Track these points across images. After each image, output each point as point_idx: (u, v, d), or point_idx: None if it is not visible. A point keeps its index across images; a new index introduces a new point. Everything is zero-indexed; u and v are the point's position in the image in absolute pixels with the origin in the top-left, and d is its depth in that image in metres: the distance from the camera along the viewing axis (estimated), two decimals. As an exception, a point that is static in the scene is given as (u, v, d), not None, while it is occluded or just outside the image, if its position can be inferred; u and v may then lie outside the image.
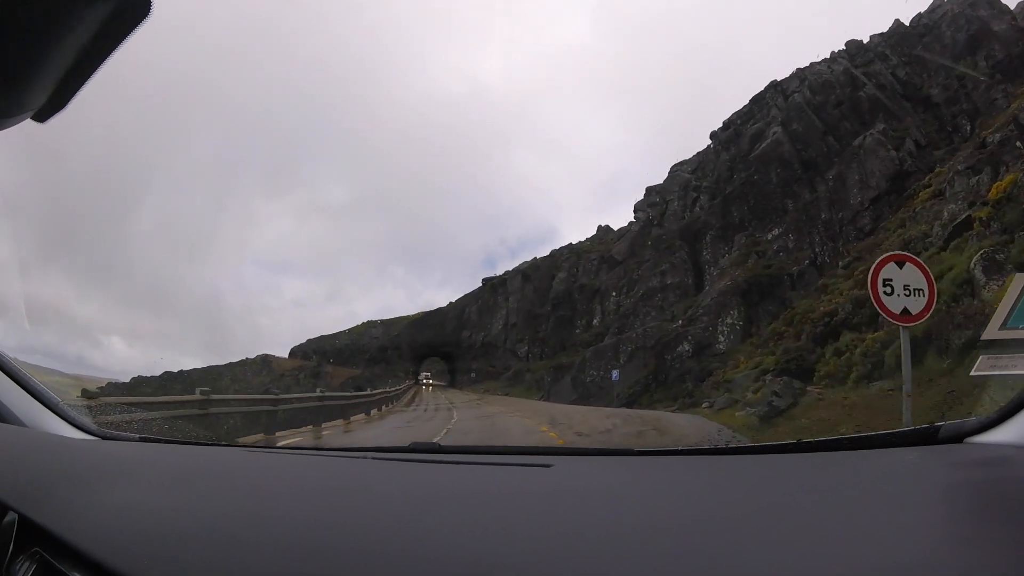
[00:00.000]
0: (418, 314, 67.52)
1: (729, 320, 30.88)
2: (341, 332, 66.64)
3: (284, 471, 1.77)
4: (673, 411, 21.80)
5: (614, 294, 49.03)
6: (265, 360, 55.35)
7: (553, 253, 62.83)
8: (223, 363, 54.33)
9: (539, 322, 56.02)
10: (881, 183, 31.87)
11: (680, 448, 1.72)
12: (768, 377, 17.15)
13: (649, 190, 58.70)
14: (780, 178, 36.60)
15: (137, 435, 2.33)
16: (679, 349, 30.37)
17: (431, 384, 52.29)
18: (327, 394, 17.66)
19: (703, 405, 19.93)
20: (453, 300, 68.00)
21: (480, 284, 67.37)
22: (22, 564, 1.02)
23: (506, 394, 44.47)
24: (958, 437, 1.11)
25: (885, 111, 35.54)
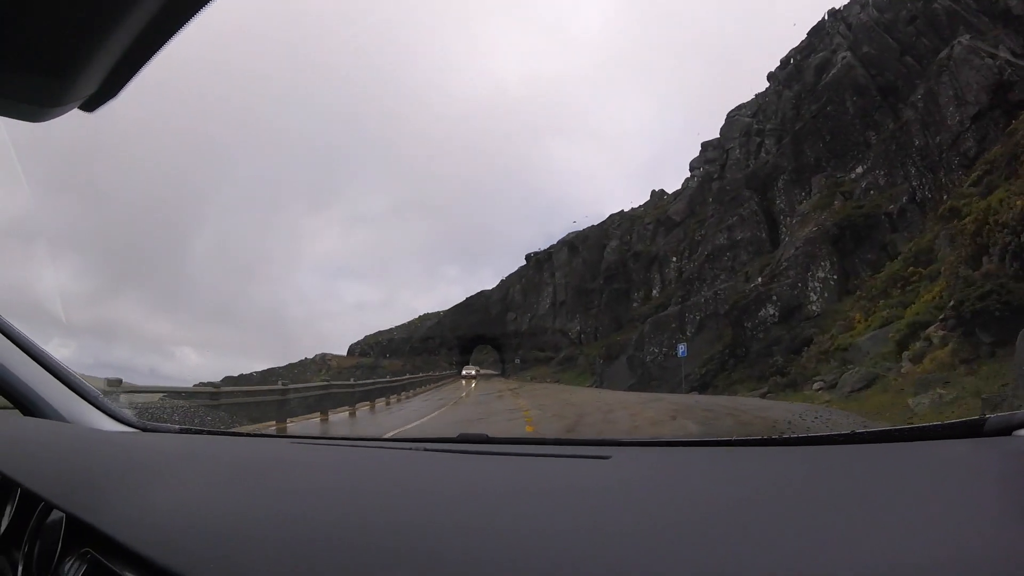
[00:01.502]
0: (462, 301, 62.58)
1: (820, 274, 24.96)
2: (397, 327, 65.99)
3: (328, 462, 1.74)
4: (764, 396, 16.20)
5: (674, 259, 43.71)
6: (323, 359, 55.21)
7: (602, 223, 56.47)
8: (283, 365, 54.84)
9: (590, 298, 50.47)
10: (981, 97, 24.53)
11: (735, 439, 1.47)
12: (935, 331, 10.53)
13: (705, 145, 53.48)
14: (857, 108, 31.14)
15: (177, 427, 2.33)
16: (761, 314, 24.28)
17: (474, 375, 45.80)
18: (332, 383, 19.14)
19: (814, 386, 13.79)
20: (496, 282, 64.31)
21: (524, 262, 61.65)
22: (72, 564, 1.06)
23: (557, 381, 39.18)
24: (1007, 430, 1.05)
25: (965, 24, 28.82)
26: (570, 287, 52.96)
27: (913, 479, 0.99)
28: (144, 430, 2.16)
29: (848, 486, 1.01)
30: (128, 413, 2.19)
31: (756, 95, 50.03)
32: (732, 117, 50.17)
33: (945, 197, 22.25)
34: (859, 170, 29.12)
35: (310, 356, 55.93)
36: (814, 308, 23.82)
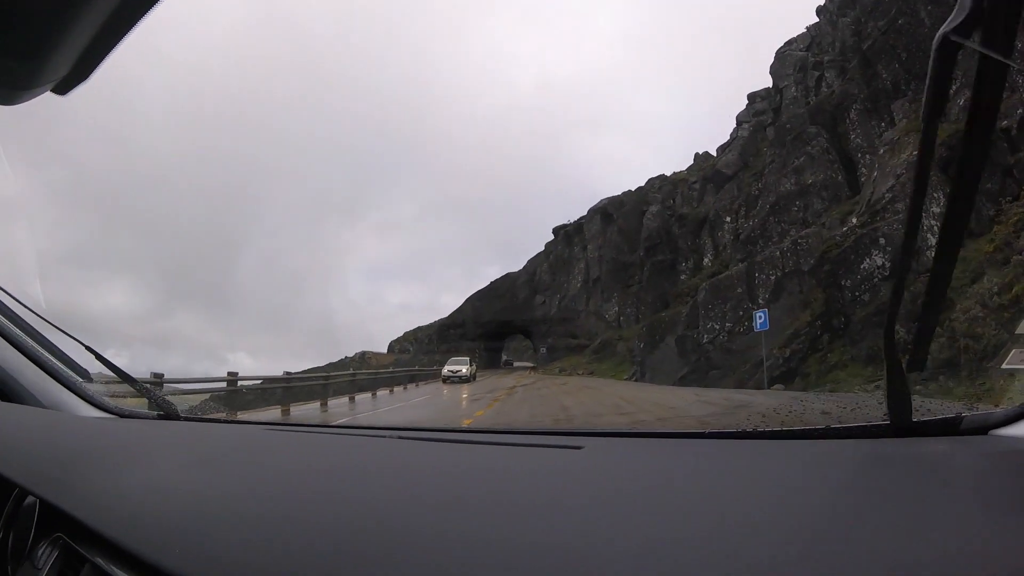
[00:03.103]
0: (486, 286, 56.54)
1: (935, 208, 17.37)
2: (433, 323, 63.07)
3: (304, 449, 1.74)
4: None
5: (728, 220, 36.80)
6: (363, 356, 55.02)
7: (640, 188, 49.11)
8: (323, 364, 54.73)
9: (629, 273, 43.50)
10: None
11: (707, 431, 1.51)
12: None
13: (752, 96, 47.23)
14: (934, 18, 24.32)
15: (155, 412, 2.35)
16: (864, 266, 17.12)
17: (463, 373, 30.84)
18: (331, 374, 21.67)
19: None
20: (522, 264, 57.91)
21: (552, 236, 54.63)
22: (44, 550, 1.07)
23: (590, 372, 32.36)
24: (983, 429, 1.08)
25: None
26: (605, 261, 45.94)
27: (887, 476, 0.99)
28: (122, 416, 2.19)
29: (822, 482, 1.02)
30: (107, 399, 2.21)
31: (808, 28, 43.97)
32: (783, 54, 43.51)
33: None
34: (952, 87, 22.44)
35: (350, 355, 56.36)
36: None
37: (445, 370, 30.48)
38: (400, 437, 1.71)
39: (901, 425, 1.15)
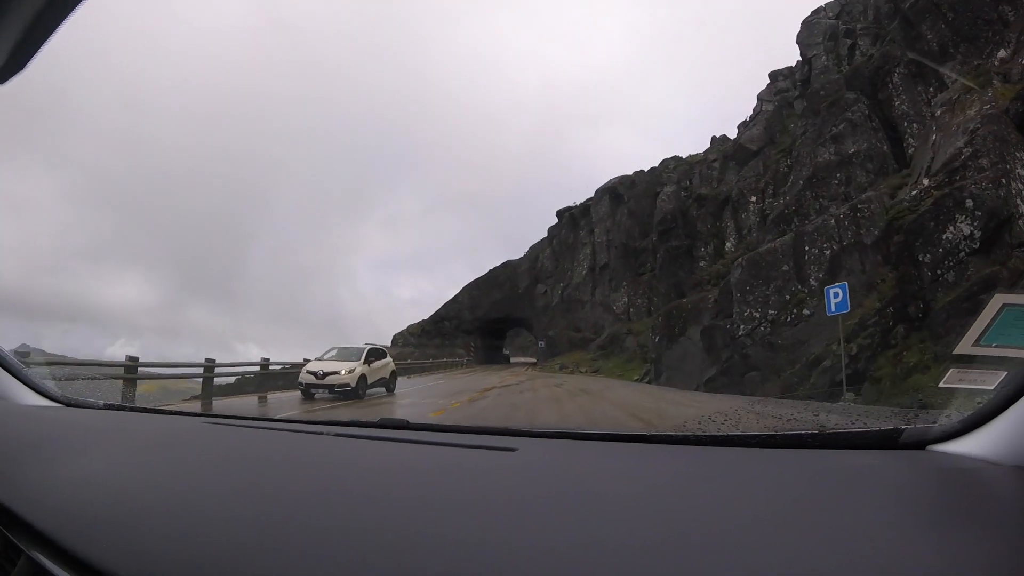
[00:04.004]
0: (483, 275, 52.76)
1: (1020, 169, 13.89)
2: (437, 313, 60.24)
3: (237, 443, 1.76)
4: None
5: (753, 199, 32.75)
6: None
7: (653, 169, 45.09)
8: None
9: (641, 259, 39.63)
10: None
11: (647, 434, 1.53)
12: None
13: (774, 75, 43.82)
14: None
15: (102, 402, 2.35)
16: (948, 236, 13.10)
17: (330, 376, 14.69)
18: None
19: None
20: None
21: (555, 220, 50.65)
22: None
23: (595, 371, 28.46)
24: (921, 444, 1.12)
25: None
26: (613, 247, 42.02)
27: (821, 488, 0.99)
28: (68, 405, 2.18)
29: (752, 489, 1.02)
30: (53, 387, 2.19)
31: (835, -3, 41.06)
32: (810, 22, 40.11)
33: None
34: (1001, 53, 20.61)
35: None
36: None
37: (303, 374, 13.74)
38: (337, 434, 1.70)
39: (839, 436, 1.21)
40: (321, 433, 1.73)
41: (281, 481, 1.19)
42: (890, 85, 25.01)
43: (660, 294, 35.86)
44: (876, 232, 15.14)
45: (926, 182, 15.60)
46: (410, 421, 1.87)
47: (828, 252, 15.94)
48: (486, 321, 49.40)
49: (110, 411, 2.24)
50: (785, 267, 16.69)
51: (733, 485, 1.05)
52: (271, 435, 1.91)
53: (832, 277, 14.92)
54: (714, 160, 41.17)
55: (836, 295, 12.59)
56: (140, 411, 2.46)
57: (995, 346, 1.11)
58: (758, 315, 16.79)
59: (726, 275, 24.55)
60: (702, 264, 33.70)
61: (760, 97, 44.01)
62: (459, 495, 1.06)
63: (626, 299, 38.68)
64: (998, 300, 1.12)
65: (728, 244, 32.81)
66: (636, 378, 22.18)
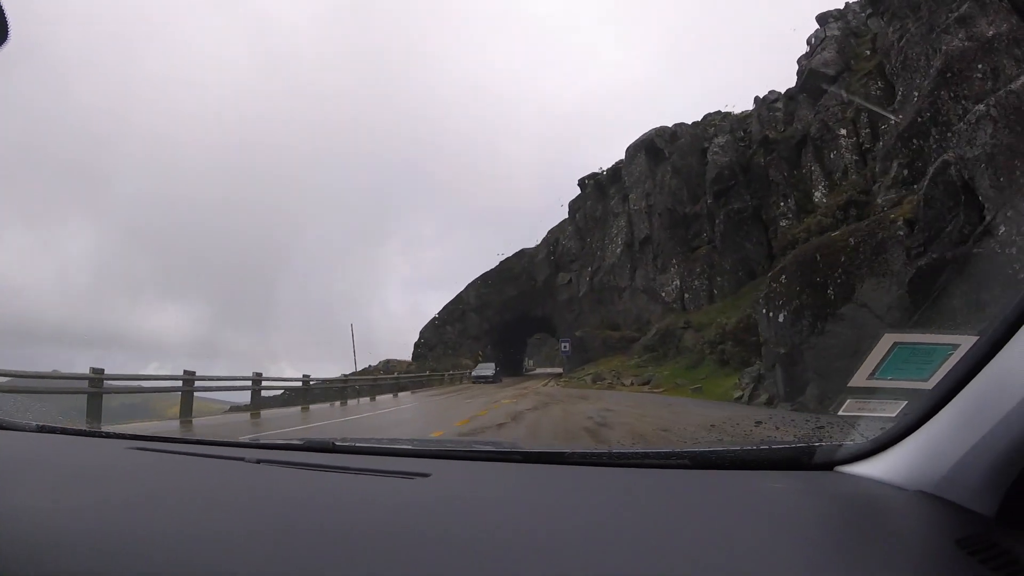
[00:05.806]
0: (493, 268, 44.59)
1: None
2: (437, 317, 56.66)
3: (161, 469, 1.73)
4: None
5: (843, 132, 24.12)
6: (387, 363, 51.26)
7: (696, 123, 35.89)
8: (349, 372, 50.93)
9: (693, 228, 30.53)
10: None
11: (567, 451, 1.53)
12: None
13: (822, 17, 34.00)
14: None
15: (35, 424, 2.29)
16: None
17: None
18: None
19: None
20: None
21: (577, 192, 41.62)
22: None
23: (645, 382, 19.32)
24: (829, 465, 1.14)
25: None
26: (656, 214, 32.76)
27: (733, 509, 1.00)
28: (1, 428, 2.15)
29: (662, 510, 1.03)
30: None
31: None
32: None
33: None
34: None
35: (373, 363, 53.57)
36: None
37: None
38: (259, 460, 1.63)
39: (757, 452, 1.22)
40: (243, 459, 1.65)
41: (193, 514, 1.15)
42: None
43: (724, 272, 26.78)
44: None
45: None
46: (336, 443, 1.78)
47: None
48: (499, 324, 41.22)
49: (44, 434, 2.15)
50: None
51: (644, 505, 1.04)
52: (191, 462, 1.84)
53: None
54: (775, 100, 31.99)
55: None
56: (73, 433, 2.28)
57: (890, 379, 1.12)
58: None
59: (824, 230, 16.77)
60: (783, 225, 24.66)
61: (822, 19, 34.34)
62: (360, 526, 1.03)
63: (678, 282, 29.72)
64: (888, 339, 1.13)
65: (817, 194, 23.80)
66: (736, 396, 12.94)
